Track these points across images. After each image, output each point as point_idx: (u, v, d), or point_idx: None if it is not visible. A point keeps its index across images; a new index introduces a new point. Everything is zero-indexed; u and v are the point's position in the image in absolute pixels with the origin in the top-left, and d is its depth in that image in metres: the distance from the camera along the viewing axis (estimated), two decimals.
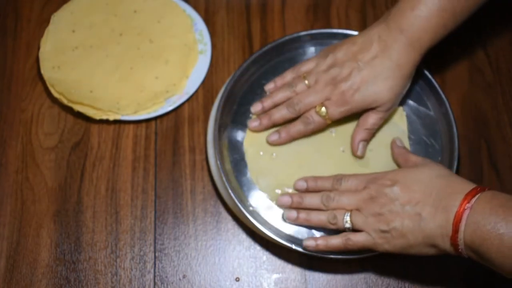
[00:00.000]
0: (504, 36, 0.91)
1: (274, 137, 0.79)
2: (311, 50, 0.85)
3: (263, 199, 0.77)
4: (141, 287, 0.77)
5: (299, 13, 0.92)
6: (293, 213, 0.74)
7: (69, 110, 0.84)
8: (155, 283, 0.77)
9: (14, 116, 0.85)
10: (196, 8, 0.91)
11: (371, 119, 0.77)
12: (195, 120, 0.85)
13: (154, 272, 0.77)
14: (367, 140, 0.78)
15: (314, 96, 0.77)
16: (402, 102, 0.82)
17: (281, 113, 0.78)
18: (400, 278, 0.78)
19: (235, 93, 0.82)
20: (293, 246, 0.73)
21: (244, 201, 0.76)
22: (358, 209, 0.70)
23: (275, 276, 0.78)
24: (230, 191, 0.74)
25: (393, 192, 0.68)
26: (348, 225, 0.71)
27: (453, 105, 0.83)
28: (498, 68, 0.89)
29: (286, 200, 0.75)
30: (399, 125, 0.81)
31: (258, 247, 0.79)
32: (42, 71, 0.85)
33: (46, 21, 0.88)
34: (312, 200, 0.74)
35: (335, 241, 0.71)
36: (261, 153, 0.79)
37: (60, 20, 0.88)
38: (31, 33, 0.90)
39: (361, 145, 0.78)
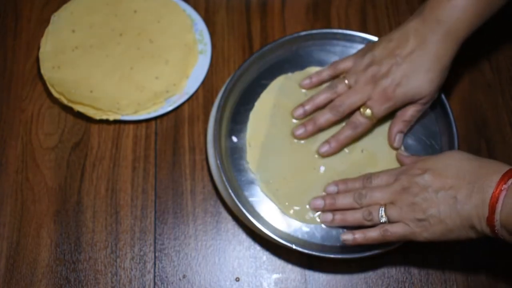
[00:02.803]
0: (504, 35, 0.91)
1: (325, 148, 0.78)
2: (311, 50, 0.85)
3: (264, 198, 0.77)
4: (141, 287, 0.77)
5: (299, 13, 0.92)
6: (329, 216, 0.74)
7: (69, 110, 0.84)
8: (155, 283, 0.77)
9: (14, 116, 0.85)
10: (196, 8, 0.91)
11: (410, 111, 0.77)
12: (195, 120, 0.85)
13: (154, 272, 0.77)
14: (404, 132, 0.79)
15: (355, 96, 0.77)
16: None
17: (325, 117, 0.78)
18: (400, 278, 0.78)
19: (235, 93, 0.82)
20: (293, 246, 0.73)
21: (244, 201, 0.76)
22: (392, 202, 0.70)
23: (275, 276, 0.78)
24: (230, 191, 0.74)
25: (425, 180, 0.68)
26: (384, 219, 0.70)
27: (453, 105, 0.83)
28: (498, 68, 0.89)
29: (319, 203, 0.75)
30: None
31: (258, 247, 0.79)
32: (42, 71, 0.85)
33: (46, 21, 0.88)
34: (344, 200, 0.73)
35: (373, 233, 0.71)
36: (263, 151, 0.79)
37: (60, 20, 0.88)
38: (31, 33, 0.90)
39: (398, 137, 0.78)
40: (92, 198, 0.80)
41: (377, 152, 0.80)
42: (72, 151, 0.83)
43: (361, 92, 0.77)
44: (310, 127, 0.79)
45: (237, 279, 0.77)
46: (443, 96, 0.81)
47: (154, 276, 0.77)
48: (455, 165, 0.68)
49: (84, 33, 0.88)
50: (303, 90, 0.82)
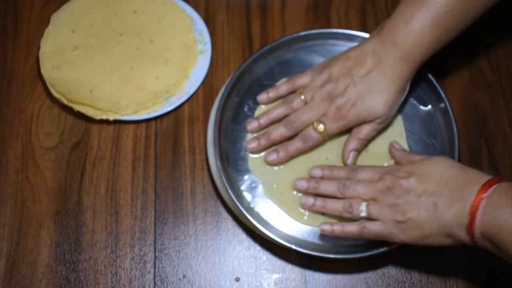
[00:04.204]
0: (504, 36, 0.91)
1: (273, 157, 0.78)
2: (311, 50, 0.85)
3: (264, 198, 0.77)
4: (141, 287, 0.77)
5: (299, 13, 0.92)
6: (310, 200, 0.74)
7: (69, 110, 0.84)
8: (155, 283, 0.77)
9: (14, 116, 0.85)
10: (196, 8, 0.91)
11: (365, 129, 0.77)
12: (195, 120, 0.85)
13: (154, 272, 0.77)
14: (358, 150, 0.78)
15: (310, 112, 0.77)
16: (402, 102, 0.82)
17: (279, 132, 0.78)
18: (400, 278, 0.78)
19: (235, 93, 0.82)
20: (293, 246, 0.73)
21: (244, 201, 0.76)
22: (374, 199, 0.71)
23: (275, 276, 0.78)
24: (230, 191, 0.74)
25: (409, 183, 0.69)
26: (363, 214, 0.71)
27: (453, 105, 0.83)
28: (498, 68, 0.89)
29: (302, 184, 0.75)
30: (395, 127, 0.81)
31: (258, 247, 0.79)
32: (42, 71, 0.85)
33: (46, 21, 0.88)
34: (328, 186, 0.74)
35: (351, 228, 0.71)
36: (263, 152, 0.79)
37: (60, 20, 0.88)
38: (31, 33, 0.90)
39: (351, 155, 0.78)
40: (92, 198, 0.80)
41: (380, 153, 0.79)
42: (72, 151, 0.83)
43: (316, 109, 0.77)
44: (263, 141, 0.79)
45: (237, 279, 0.77)
46: (443, 96, 0.81)
47: (154, 276, 0.77)
48: (439, 171, 0.68)
49: (84, 33, 0.88)
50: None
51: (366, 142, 0.79)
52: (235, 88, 0.81)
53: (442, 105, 0.81)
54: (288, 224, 0.76)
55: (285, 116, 0.79)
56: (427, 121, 0.82)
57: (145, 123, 0.85)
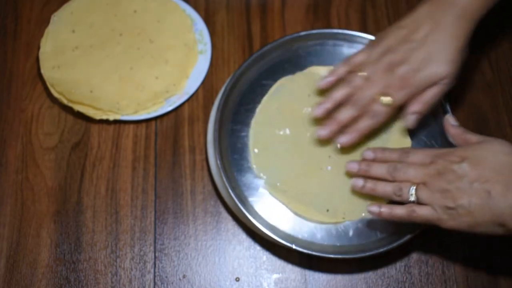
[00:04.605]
0: (504, 36, 0.91)
1: (345, 139, 0.77)
2: (312, 50, 0.85)
3: (264, 198, 0.77)
4: (141, 287, 0.77)
5: (299, 13, 0.92)
6: (360, 182, 0.73)
7: (69, 110, 0.84)
8: (155, 283, 0.77)
9: (14, 116, 0.85)
10: (196, 8, 0.91)
11: (430, 93, 0.75)
12: (195, 120, 0.85)
13: (154, 272, 0.77)
14: (422, 114, 0.76)
15: (374, 87, 0.75)
16: None
17: (347, 114, 0.76)
18: (400, 278, 0.78)
19: (235, 93, 0.82)
20: (293, 246, 0.73)
21: (244, 201, 0.76)
22: (424, 183, 0.69)
23: (275, 276, 0.78)
24: (230, 191, 0.75)
25: (462, 168, 0.67)
26: (413, 198, 0.69)
27: (453, 105, 0.83)
28: (498, 68, 0.89)
29: (353, 166, 0.75)
30: (397, 125, 0.81)
31: (258, 247, 0.79)
32: (42, 71, 0.85)
33: (46, 21, 0.88)
34: (379, 169, 0.72)
35: (400, 211, 0.70)
36: (268, 156, 0.79)
37: (60, 20, 0.88)
38: (31, 33, 0.90)
39: (414, 116, 0.76)
40: (92, 198, 0.81)
41: None
42: (72, 151, 0.83)
43: (379, 82, 0.75)
44: (334, 126, 0.77)
45: (237, 279, 0.77)
46: None
47: (154, 276, 0.77)
48: (494, 157, 0.66)
49: (84, 33, 0.88)
50: (307, 91, 0.82)
51: (430, 107, 0.76)
52: (235, 88, 0.81)
53: (442, 105, 0.81)
54: (289, 224, 0.76)
55: (349, 96, 0.77)
56: (426, 122, 0.82)
57: (145, 123, 0.85)
